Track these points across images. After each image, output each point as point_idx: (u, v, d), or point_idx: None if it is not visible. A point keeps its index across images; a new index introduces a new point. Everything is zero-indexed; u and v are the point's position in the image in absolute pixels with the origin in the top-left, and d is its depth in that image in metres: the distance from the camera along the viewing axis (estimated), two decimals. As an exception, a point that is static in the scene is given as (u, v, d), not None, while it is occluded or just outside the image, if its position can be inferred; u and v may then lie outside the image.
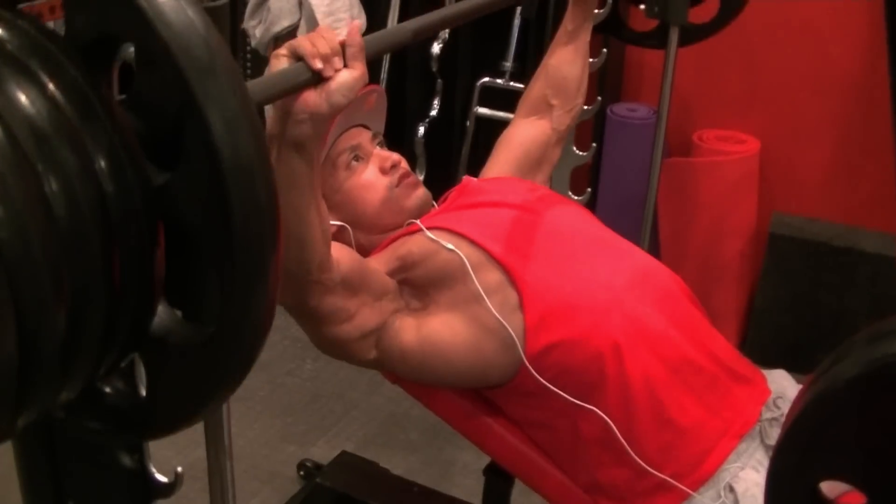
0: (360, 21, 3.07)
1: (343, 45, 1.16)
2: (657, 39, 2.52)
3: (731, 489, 1.40)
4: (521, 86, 3.01)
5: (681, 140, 3.25)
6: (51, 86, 0.66)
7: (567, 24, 1.85)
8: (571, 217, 1.67)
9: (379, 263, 1.53)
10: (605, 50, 2.56)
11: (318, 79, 1.13)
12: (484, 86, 3.15)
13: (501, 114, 3.11)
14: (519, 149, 1.87)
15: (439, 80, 3.19)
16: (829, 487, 0.75)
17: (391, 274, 1.53)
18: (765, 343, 3.10)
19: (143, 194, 0.69)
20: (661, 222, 3.20)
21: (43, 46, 0.68)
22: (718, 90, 3.25)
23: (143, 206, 0.69)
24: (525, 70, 3.03)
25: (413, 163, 3.07)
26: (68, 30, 0.70)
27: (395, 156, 1.69)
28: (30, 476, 0.95)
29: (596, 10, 1.87)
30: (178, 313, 0.75)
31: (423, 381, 1.62)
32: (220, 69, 0.67)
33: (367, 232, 1.66)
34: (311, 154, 1.22)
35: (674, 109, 2.61)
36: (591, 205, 2.99)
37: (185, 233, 0.71)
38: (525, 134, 1.89)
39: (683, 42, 2.48)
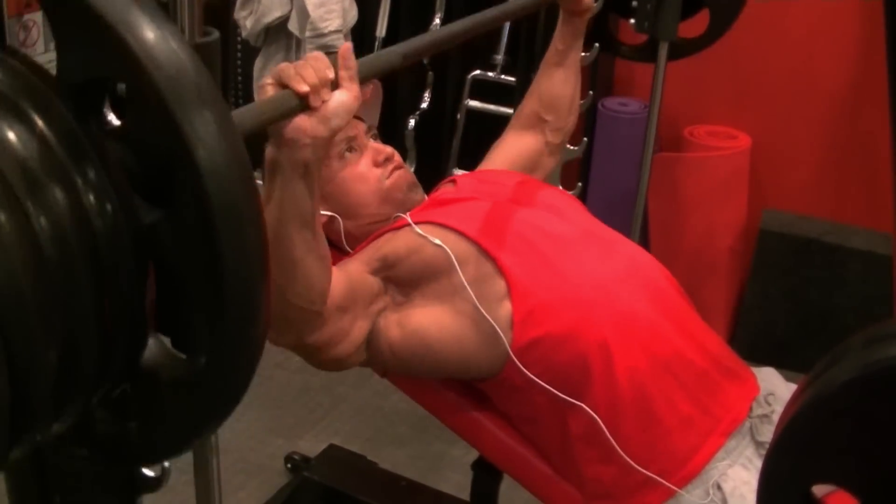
0: (353, 12, 3.06)
1: (335, 67, 1.15)
2: (647, 53, 2.52)
3: (719, 487, 1.40)
4: (513, 79, 3.02)
5: (672, 135, 3.25)
6: (41, 125, 0.67)
7: (557, 43, 1.85)
8: (562, 209, 1.67)
9: (362, 262, 1.53)
10: (596, 45, 2.53)
11: (305, 105, 1.12)
12: (475, 78, 3.14)
13: (492, 107, 3.10)
14: (512, 152, 1.88)
15: (430, 73, 3.18)
16: (816, 488, 0.75)
17: (376, 272, 1.52)
18: (753, 339, 3.11)
19: (133, 233, 0.70)
20: (651, 217, 3.20)
21: (34, 85, 0.69)
22: (710, 86, 3.24)
23: (133, 246, 0.70)
24: (516, 63, 3.02)
25: (403, 155, 3.05)
26: (60, 69, 0.71)
27: (389, 149, 1.72)
28: (14, 472, 0.95)
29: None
30: (169, 343, 0.76)
31: (411, 373, 1.63)
32: (210, 112, 0.67)
33: (357, 221, 1.68)
34: (313, 179, 1.22)
35: (665, 104, 2.61)
36: (581, 199, 2.98)
37: (175, 272, 0.72)
38: (519, 140, 1.90)
39: (673, 56, 2.49)
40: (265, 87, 1.13)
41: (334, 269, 1.43)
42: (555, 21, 1.86)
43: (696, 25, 2.50)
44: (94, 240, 0.67)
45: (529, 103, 1.90)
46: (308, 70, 1.12)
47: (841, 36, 3.04)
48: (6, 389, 0.63)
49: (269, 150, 1.19)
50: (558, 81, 1.86)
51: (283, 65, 1.13)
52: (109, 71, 0.69)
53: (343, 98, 1.15)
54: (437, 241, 1.49)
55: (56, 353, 0.66)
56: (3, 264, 0.62)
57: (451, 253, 1.47)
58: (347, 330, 1.45)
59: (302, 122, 1.14)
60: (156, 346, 0.75)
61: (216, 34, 0.90)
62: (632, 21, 2.43)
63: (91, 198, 0.67)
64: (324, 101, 1.13)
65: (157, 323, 0.75)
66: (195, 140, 0.66)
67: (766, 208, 3.18)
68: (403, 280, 1.52)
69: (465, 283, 1.46)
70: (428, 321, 1.50)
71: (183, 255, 0.71)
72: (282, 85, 1.12)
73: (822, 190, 3.20)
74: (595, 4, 1.78)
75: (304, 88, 1.11)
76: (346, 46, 1.18)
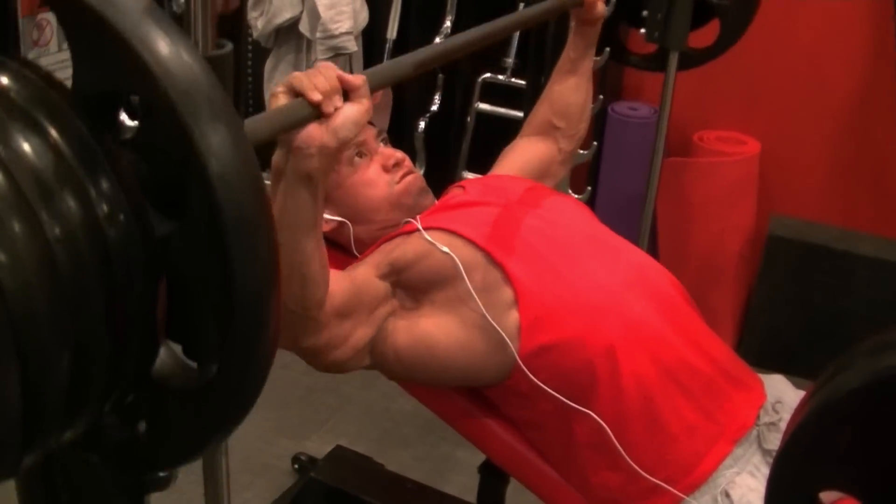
0: (364, 13, 3.06)
1: (343, 82, 1.15)
2: (657, 63, 2.52)
3: (727, 495, 1.40)
4: (523, 82, 3.02)
5: (681, 140, 3.25)
6: (55, 135, 0.67)
7: (569, 51, 1.88)
8: (569, 215, 1.67)
9: (371, 265, 1.52)
10: (607, 49, 2.54)
11: (318, 114, 1.12)
12: (485, 81, 3.14)
13: (502, 110, 3.10)
14: (524, 158, 1.89)
15: (440, 75, 3.18)
16: (825, 495, 0.75)
17: (384, 276, 1.52)
18: (760, 345, 3.10)
19: (146, 245, 0.70)
20: (660, 222, 3.20)
21: (48, 97, 0.69)
22: (720, 91, 3.24)
23: (146, 257, 0.70)
24: (526, 66, 3.02)
25: (413, 158, 3.05)
26: (75, 81, 0.71)
27: (399, 154, 1.72)
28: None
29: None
30: (180, 351, 0.77)
31: (417, 380, 1.63)
32: (223, 125, 0.68)
33: (367, 227, 1.68)
34: (318, 188, 1.22)
35: (675, 109, 2.60)
36: (590, 203, 2.99)
37: (187, 282, 0.73)
38: (531, 147, 1.92)
39: (683, 66, 2.50)
40: (277, 96, 1.13)
41: (340, 274, 1.42)
42: (565, 24, 1.87)
43: (706, 35, 2.50)
44: (107, 249, 0.67)
45: (541, 110, 1.92)
46: (319, 78, 1.12)
47: (850, 42, 3.04)
48: (19, 398, 0.63)
49: (276, 157, 1.19)
50: (570, 89, 1.89)
51: (295, 73, 1.13)
52: (123, 84, 0.70)
53: (353, 110, 1.15)
54: (445, 249, 1.49)
55: (68, 361, 0.66)
56: (16, 272, 0.62)
57: (458, 261, 1.48)
58: (346, 336, 1.44)
59: (312, 130, 1.14)
60: (167, 354, 0.75)
61: (229, 46, 0.90)
62: (642, 31, 2.44)
63: (104, 207, 0.68)
64: (336, 109, 1.13)
65: (169, 331, 0.75)
66: (208, 153, 0.67)
67: (775, 214, 3.18)
68: (412, 285, 1.52)
69: (473, 292, 1.46)
70: (435, 329, 1.50)
71: (194, 266, 0.72)
72: (294, 93, 1.12)
73: (830, 196, 3.20)
74: (606, 11, 1.80)
75: (317, 97, 1.11)
76: (358, 77, 1.18)
